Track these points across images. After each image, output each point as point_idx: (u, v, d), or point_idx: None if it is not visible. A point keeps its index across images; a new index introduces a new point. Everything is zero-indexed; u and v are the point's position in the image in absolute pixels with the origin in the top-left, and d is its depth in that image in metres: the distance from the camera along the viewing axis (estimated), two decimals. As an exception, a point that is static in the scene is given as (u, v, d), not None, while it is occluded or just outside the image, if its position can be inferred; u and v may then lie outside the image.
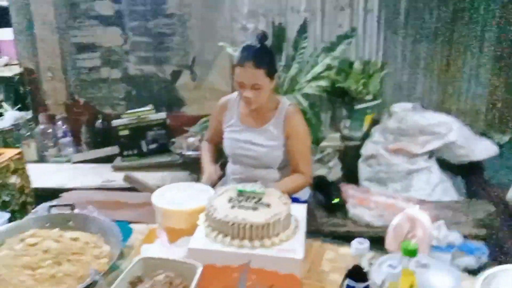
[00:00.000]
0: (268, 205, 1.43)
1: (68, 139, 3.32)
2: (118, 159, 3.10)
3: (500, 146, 2.92)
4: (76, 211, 1.51)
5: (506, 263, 2.29)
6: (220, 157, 2.19)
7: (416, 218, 1.49)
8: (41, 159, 3.30)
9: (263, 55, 1.79)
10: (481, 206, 2.47)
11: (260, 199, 1.47)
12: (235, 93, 2.04)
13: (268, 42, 1.85)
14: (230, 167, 2.12)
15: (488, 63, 3.06)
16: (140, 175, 2.73)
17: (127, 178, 2.68)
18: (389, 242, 1.50)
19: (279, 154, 1.94)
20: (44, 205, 1.71)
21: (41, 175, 2.78)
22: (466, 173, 2.92)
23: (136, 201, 2.10)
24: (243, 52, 1.79)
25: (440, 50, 3.07)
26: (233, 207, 1.42)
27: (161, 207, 1.52)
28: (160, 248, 1.41)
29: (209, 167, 2.02)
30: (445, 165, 2.85)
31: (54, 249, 1.26)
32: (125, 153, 3.06)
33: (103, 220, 1.42)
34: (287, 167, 2.02)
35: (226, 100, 2.05)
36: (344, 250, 1.55)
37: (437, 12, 2.99)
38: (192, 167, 2.75)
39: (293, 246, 1.33)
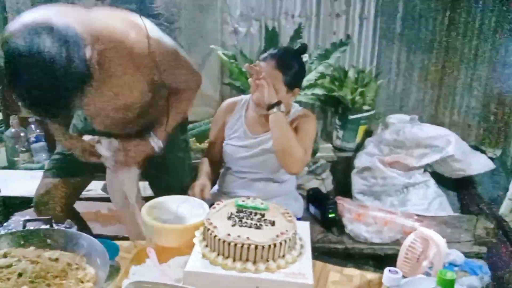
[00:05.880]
0: (272, 223, 1.30)
1: (41, 144, 3.07)
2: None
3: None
4: (55, 226, 1.33)
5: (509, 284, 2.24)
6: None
7: (429, 238, 1.40)
8: (12, 165, 3.06)
9: (289, 60, 1.69)
10: (479, 222, 2.38)
11: (263, 216, 1.33)
12: (242, 97, 1.89)
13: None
14: (226, 179, 1.93)
15: (482, 75, 3.02)
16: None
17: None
18: (401, 264, 1.39)
19: None
20: (17, 218, 1.54)
21: (11, 183, 2.56)
22: (458, 188, 2.85)
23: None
24: (271, 50, 1.73)
25: (435, 61, 3.01)
26: (234, 225, 1.28)
27: (151, 223, 1.36)
28: (151, 270, 1.26)
29: (202, 178, 1.75)
30: (438, 179, 2.77)
31: (31, 271, 1.08)
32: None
33: (85, 237, 1.25)
34: (290, 180, 1.89)
35: (233, 102, 1.89)
36: (348, 271, 1.46)
37: (432, 22, 2.94)
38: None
39: (301, 270, 1.20)
